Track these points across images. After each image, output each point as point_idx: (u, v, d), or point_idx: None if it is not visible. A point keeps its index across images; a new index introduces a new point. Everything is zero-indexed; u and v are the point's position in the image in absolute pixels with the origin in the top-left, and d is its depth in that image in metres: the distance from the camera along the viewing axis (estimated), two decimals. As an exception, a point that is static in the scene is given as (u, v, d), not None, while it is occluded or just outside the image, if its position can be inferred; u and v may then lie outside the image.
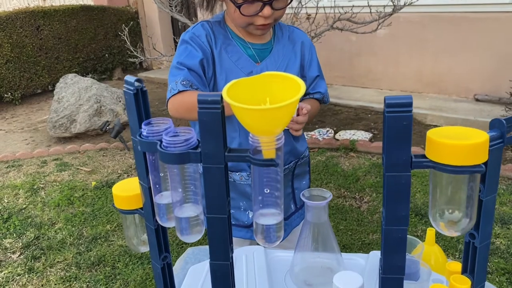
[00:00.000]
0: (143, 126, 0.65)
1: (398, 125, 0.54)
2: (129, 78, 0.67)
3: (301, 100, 1.40)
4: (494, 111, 3.87)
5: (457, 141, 0.53)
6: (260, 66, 1.27)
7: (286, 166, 1.37)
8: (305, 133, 1.56)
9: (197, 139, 0.63)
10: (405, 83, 4.65)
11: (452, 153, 0.54)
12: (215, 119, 0.58)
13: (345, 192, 2.90)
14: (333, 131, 3.89)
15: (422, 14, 4.34)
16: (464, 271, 0.72)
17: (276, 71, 1.28)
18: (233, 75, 1.24)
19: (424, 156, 0.57)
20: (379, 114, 4.28)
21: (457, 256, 2.20)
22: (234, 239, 1.37)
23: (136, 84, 0.66)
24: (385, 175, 0.57)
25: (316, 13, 3.54)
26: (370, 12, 3.48)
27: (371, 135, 3.77)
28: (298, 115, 1.23)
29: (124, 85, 0.67)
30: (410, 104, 0.54)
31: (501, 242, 2.27)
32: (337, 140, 3.70)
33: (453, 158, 0.54)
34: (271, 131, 0.58)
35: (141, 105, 0.67)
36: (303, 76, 1.36)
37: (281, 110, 0.54)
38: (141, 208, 0.75)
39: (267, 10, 1.15)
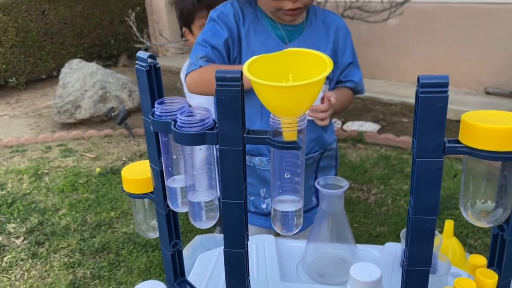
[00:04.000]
0: (156, 105, 0.61)
1: (432, 106, 0.50)
2: (142, 54, 0.63)
3: (333, 88, 1.35)
4: (505, 104, 3.81)
5: (496, 125, 0.50)
6: (288, 47, 1.22)
7: (311, 155, 1.32)
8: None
9: (214, 119, 0.59)
10: (415, 74, 4.54)
11: (490, 137, 0.50)
12: (234, 98, 0.55)
13: (353, 184, 2.86)
14: (340, 122, 3.84)
15: (434, 5, 4.26)
16: (490, 265, 0.68)
17: None
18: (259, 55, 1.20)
19: (458, 141, 0.53)
20: (388, 106, 4.22)
21: (467, 251, 2.17)
22: (252, 227, 1.33)
23: (149, 60, 0.62)
24: (415, 160, 0.54)
25: (326, 1, 3.47)
26: (382, 1, 3.41)
27: (379, 126, 3.72)
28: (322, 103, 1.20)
29: (136, 61, 0.64)
30: (446, 84, 0.50)
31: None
32: (345, 131, 3.66)
33: (491, 143, 0.50)
34: (293, 111, 0.54)
35: (154, 83, 0.63)
36: (335, 63, 1.31)
37: (305, 88, 0.51)
38: (152, 193, 0.71)
39: None
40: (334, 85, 1.35)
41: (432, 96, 0.50)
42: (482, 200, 0.55)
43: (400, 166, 3.04)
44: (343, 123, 3.82)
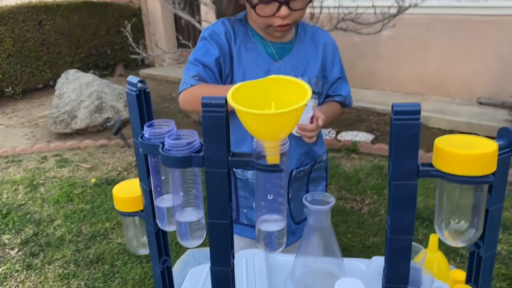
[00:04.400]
0: (145, 128, 0.64)
1: (406, 133, 0.53)
2: (132, 79, 0.66)
3: (322, 102, 1.38)
4: (497, 115, 3.86)
5: (466, 151, 0.52)
6: (278, 65, 1.26)
7: (301, 169, 1.34)
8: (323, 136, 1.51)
9: (200, 142, 0.62)
10: (408, 85, 4.64)
11: (460, 162, 0.52)
12: (219, 123, 0.57)
13: (346, 194, 2.88)
14: (335, 132, 3.88)
15: (426, 16, 4.32)
16: (468, 281, 0.70)
17: (295, 70, 1.29)
18: (251, 72, 1.24)
19: (431, 164, 0.56)
20: (381, 116, 4.26)
21: (458, 261, 2.19)
22: (244, 239, 1.35)
23: (139, 85, 0.65)
24: (391, 183, 0.56)
25: (320, 13, 3.52)
26: (375, 13, 3.46)
27: (373, 136, 3.76)
28: (311, 123, 1.22)
29: (127, 86, 0.66)
30: (418, 112, 0.52)
31: (502, 248, 2.26)
32: (339, 141, 3.69)
33: (461, 168, 0.52)
34: (275, 136, 0.56)
35: (144, 106, 0.66)
36: (324, 77, 1.35)
37: (286, 115, 0.53)
38: (142, 211, 0.74)
39: (284, 11, 1.14)
40: (323, 99, 1.38)
41: (405, 123, 0.52)
42: (456, 220, 0.58)
43: (394, 176, 3.07)
44: (337, 133, 3.86)
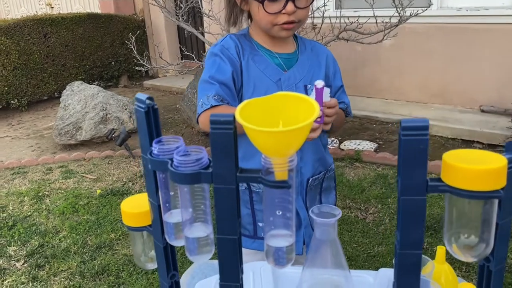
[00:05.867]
0: (153, 144, 0.64)
1: (414, 148, 0.53)
2: (141, 96, 0.66)
3: None
4: (499, 122, 3.85)
5: (475, 166, 0.52)
6: (287, 74, 1.28)
7: (316, 176, 1.36)
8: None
9: (209, 158, 0.62)
10: (411, 93, 4.64)
11: (469, 178, 0.52)
12: (227, 140, 0.58)
13: (350, 203, 2.88)
14: (338, 141, 3.88)
15: (428, 25, 4.33)
16: (478, 295, 0.70)
17: (303, 79, 1.32)
18: (261, 83, 1.26)
19: (439, 179, 0.56)
20: (384, 124, 4.26)
21: (464, 270, 2.18)
22: (259, 253, 1.35)
23: (148, 101, 0.65)
24: (400, 198, 0.56)
25: (322, 23, 3.54)
26: (376, 23, 3.48)
27: (376, 145, 3.76)
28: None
29: (135, 103, 0.67)
30: (426, 128, 0.53)
31: (508, 256, 2.24)
32: (342, 150, 3.69)
33: (470, 183, 0.52)
34: (283, 153, 0.57)
35: (152, 123, 0.66)
36: (329, 86, 1.37)
37: (294, 132, 0.54)
38: (150, 226, 0.74)
39: (290, 6, 1.17)
40: None
41: (414, 139, 0.53)
42: (466, 235, 0.58)
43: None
44: (341, 142, 3.86)
